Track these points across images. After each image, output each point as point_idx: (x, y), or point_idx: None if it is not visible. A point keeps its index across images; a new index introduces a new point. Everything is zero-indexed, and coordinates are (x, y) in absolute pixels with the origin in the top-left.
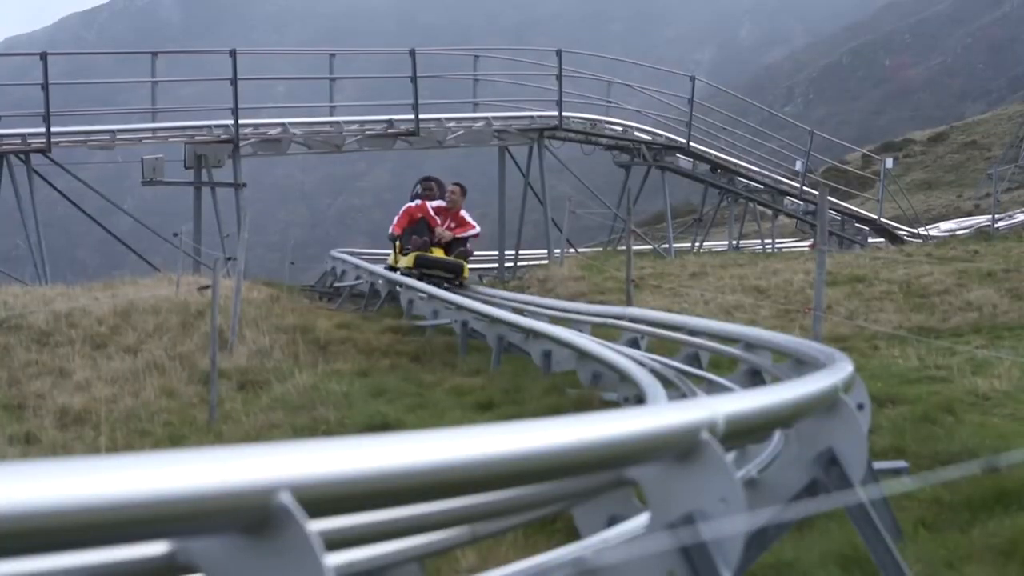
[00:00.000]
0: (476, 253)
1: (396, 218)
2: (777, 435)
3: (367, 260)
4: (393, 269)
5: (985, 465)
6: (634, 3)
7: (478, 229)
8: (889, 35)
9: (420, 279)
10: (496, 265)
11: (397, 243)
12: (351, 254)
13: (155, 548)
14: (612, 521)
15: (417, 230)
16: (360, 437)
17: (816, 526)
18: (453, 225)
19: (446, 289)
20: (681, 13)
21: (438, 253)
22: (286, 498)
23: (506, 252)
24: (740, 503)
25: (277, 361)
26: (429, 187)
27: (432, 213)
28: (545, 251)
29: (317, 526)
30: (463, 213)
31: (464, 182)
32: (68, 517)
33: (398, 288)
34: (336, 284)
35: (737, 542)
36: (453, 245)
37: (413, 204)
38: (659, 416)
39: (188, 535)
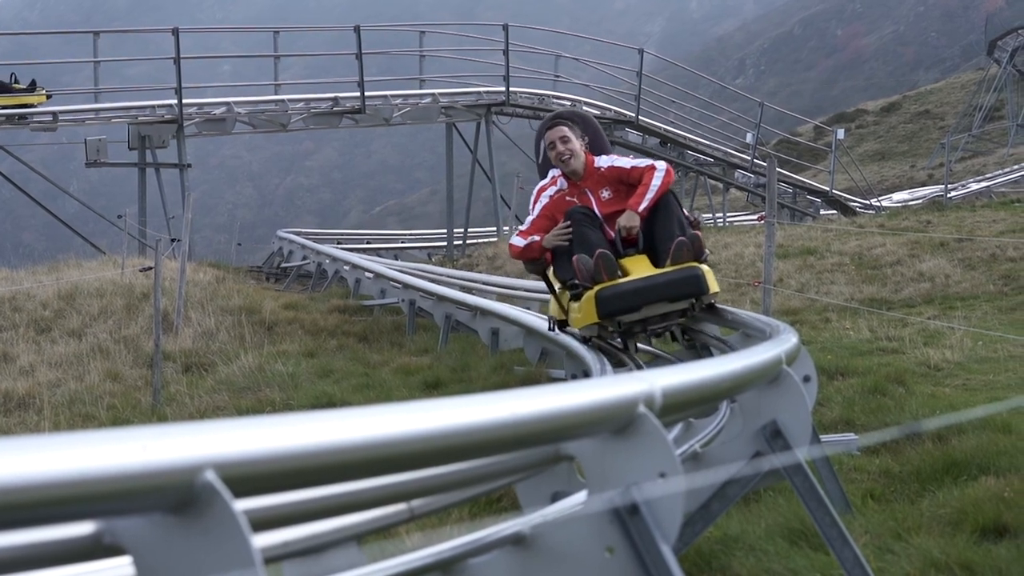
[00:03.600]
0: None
1: (528, 219)
2: (724, 408)
3: (314, 240)
4: (558, 326)
5: (909, 430)
6: None
7: (662, 165)
8: (840, 4)
9: (623, 336)
10: (444, 243)
11: (549, 274)
12: (298, 234)
13: (80, 529)
14: (555, 497)
15: (581, 233)
16: (288, 415)
17: (763, 500)
18: (614, 193)
19: None
20: None
21: (637, 265)
22: (211, 476)
23: (455, 230)
24: (678, 476)
25: (223, 343)
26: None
27: (593, 196)
28: (494, 228)
29: (246, 505)
30: (609, 161)
31: (411, 160)
32: None
33: (346, 268)
34: (283, 264)
35: (676, 516)
36: (657, 232)
37: (550, 181)
38: (594, 390)
39: (113, 515)
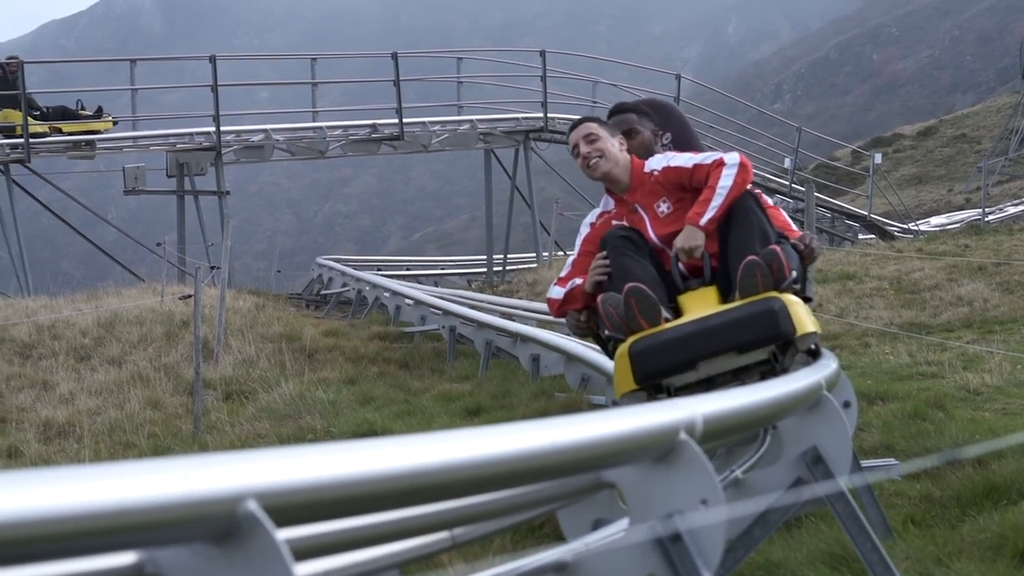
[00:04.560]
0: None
1: (568, 260)
2: (765, 434)
3: (354, 267)
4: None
5: (949, 457)
6: (619, 1)
7: (734, 157)
8: (876, 28)
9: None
10: (484, 269)
11: (586, 321)
12: (338, 261)
13: (123, 559)
14: (597, 524)
15: (620, 265)
16: (330, 443)
17: (804, 526)
18: (675, 205)
19: None
20: (667, 11)
21: (697, 302)
22: (253, 506)
23: (494, 256)
24: (720, 503)
25: (263, 370)
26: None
27: (646, 213)
28: (533, 254)
29: (287, 534)
30: (663, 161)
31: (450, 186)
32: (33, 528)
33: (386, 295)
34: (323, 292)
35: (718, 542)
36: (732, 253)
37: (597, 217)
38: (635, 417)
39: (155, 545)
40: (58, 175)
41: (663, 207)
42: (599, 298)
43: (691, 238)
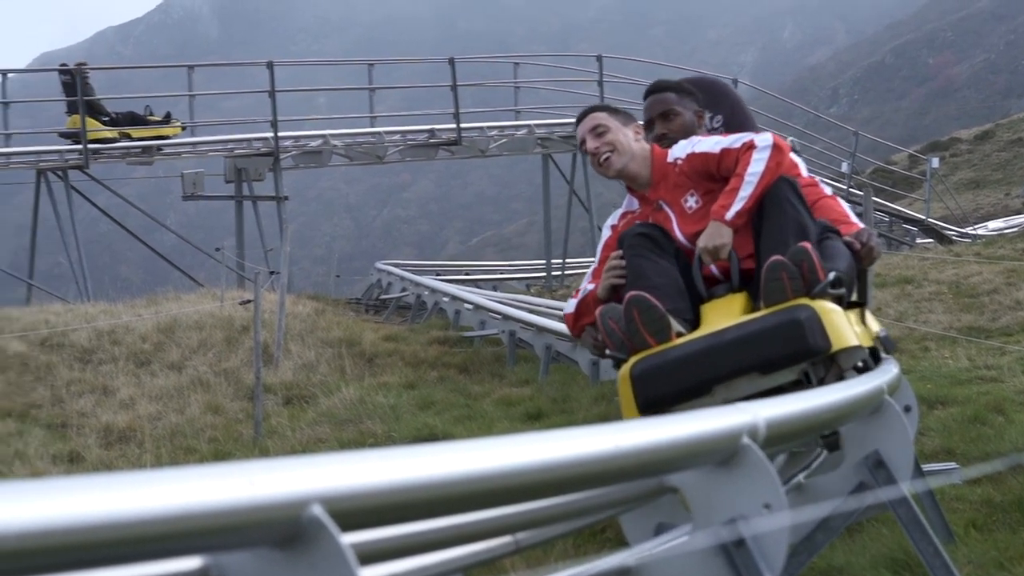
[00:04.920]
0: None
1: (590, 268)
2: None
3: (413, 272)
4: None
5: (1012, 463)
6: (675, 6)
7: (765, 139)
8: (932, 33)
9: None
10: (543, 273)
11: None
12: (397, 266)
13: (188, 563)
14: (660, 529)
15: (637, 267)
16: (394, 448)
17: (865, 530)
18: (704, 198)
19: None
20: (723, 15)
21: (720, 311)
22: (318, 510)
23: (553, 260)
24: (783, 508)
25: (323, 375)
26: (595, 127)
27: (672, 210)
28: (592, 259)
29: (352, 539)
30: (688, 147)
31: (508, 191)
32: (99, 533)
33: (445, 299)
34: (382, 296)
35: (781, 547)
36: (763, 251)
37: (619, 218)
38: (698, 422)
39: (220, 549)
40: (117, 181)
41: (691, 201)
42: (598, 311)
43: (716, 236)
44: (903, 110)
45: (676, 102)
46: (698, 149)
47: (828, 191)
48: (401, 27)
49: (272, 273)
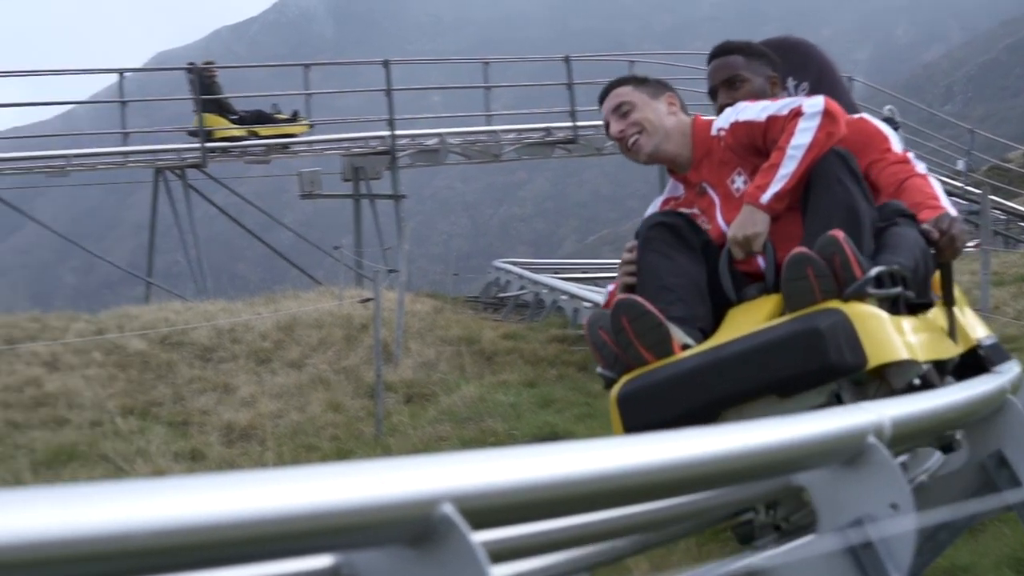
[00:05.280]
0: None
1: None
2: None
3: (531, 270)
4: None
5: None
6: (788, 3)
7: (814, 104)
8: None
9: None
10: None
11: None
12: (515, 264)
13: (320, 561)
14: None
15: (649, 265)
16: (522, 447)
17: (988, 530)
18: (752, 177)
19: None
20: (836, 12)
21: (742, 318)
22: (448, 509)
23: None
24: (910, 507)
25: (443, 373)
26: (618, 106)
27: (717, 192)
28: None
29: (481, 537)
30: (732, 115)
31: (623, 189)
32: (233, 531)
33: (563, 298)
34: (501, 294)
35: (908, 547)
36: (806, 241)
37: (660, 206)
38: (824, 420)
39: (352, 548)
40: (233, 180)
41: (738, 182)
42: (586, 319)
43: (748, 223)
44: (1018, 107)
45: (743, 66)
46: (742, 117)
47: (922, 169)
48: (515, 25)
49: (391, 271)
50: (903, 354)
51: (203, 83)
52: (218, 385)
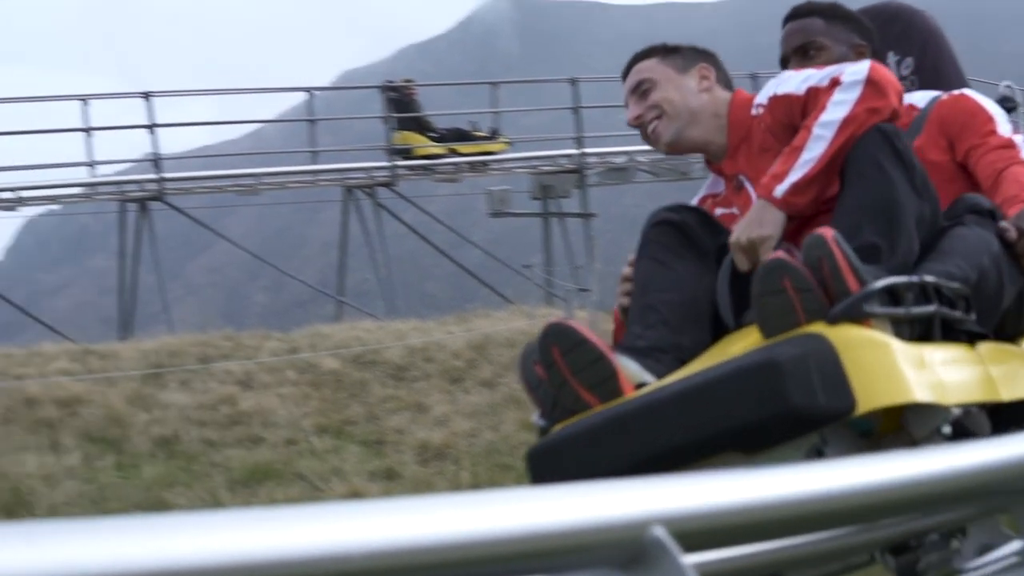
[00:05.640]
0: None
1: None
2: None
3: None
4: None
5: None
6: (970, 16)
7: (856, 72)
8: None
9: None
10: None
11: None
12: None
13: None
14: (983, 550)
15: (644, 275)
16: (731, 469)
17: None
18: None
19: None
20: (1019, 27)
21: (730, 346)
22: (660, 532)
23: None
24: None
25: None
26: (638, 83)
27: (754, 185)
28: None
29: (692, 559)
30: (771, 89)
31: None
32: (444, 554)
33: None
34: None
35: None
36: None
37: (697, 203)
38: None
39: (562, 571)
40: (423, 198)
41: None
42: (521, 348)
43: (755, 224)
44: None
45: (822, 31)
46: (781, 90)
47: (1020, 139)
48: (702, 42)
49: (581, 290)
50: (916, 394)
51: (401, 101)
52: (411, 404)
